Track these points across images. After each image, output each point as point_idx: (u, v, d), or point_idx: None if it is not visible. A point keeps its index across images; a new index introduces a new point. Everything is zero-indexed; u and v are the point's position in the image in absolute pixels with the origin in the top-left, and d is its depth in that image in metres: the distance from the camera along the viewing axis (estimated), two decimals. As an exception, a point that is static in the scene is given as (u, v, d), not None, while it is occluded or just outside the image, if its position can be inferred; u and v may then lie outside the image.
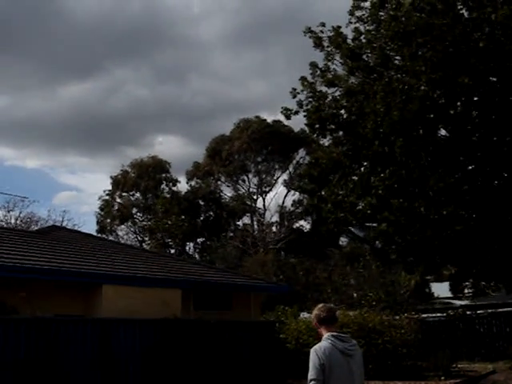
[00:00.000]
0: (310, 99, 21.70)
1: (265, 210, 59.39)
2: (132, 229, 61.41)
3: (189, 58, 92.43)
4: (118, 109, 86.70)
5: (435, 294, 40.11)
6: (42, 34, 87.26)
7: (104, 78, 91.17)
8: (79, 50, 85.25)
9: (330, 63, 21.86)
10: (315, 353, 5.38)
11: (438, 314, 27.81)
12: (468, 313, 26.84)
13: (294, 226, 58.53)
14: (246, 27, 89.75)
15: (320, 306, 5.83)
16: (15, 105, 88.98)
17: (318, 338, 5.69)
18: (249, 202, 60.22)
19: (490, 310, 26.64)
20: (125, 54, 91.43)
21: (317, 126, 21.78)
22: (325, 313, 5.68)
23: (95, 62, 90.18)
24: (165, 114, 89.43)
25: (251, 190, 60.13)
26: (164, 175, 61.77)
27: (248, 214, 60.89)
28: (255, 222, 60.26)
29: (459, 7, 19.36)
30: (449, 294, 39.90)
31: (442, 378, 18.53)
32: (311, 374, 5.34)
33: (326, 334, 5.54)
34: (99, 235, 50.19)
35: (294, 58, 75.03)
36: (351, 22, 21.44)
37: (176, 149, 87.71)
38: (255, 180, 59.70)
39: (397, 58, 20.54)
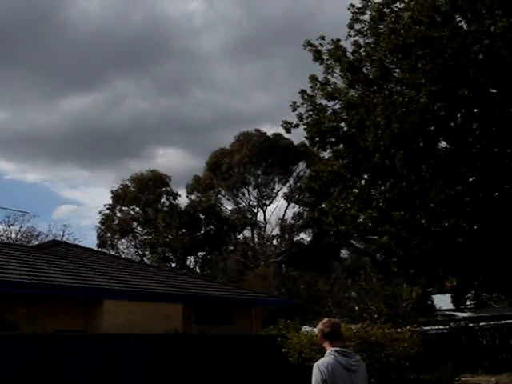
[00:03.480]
0: (310, 112, 21.69)
1: (265, 223, 59.40)
2: (132, 243, 61.41)
3: (190, 70, 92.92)
4: (118, 121, 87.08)
5: (437, 306, 39.94)
6: (43, 47, 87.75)
7: (105, 91, 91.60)
8: (80, 63, 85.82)
9: (329, 76, 21.86)
10: (318, 368, 5.33)
11: (441, 327, 27.65)
12: (470, 325, 26.67)
13: (295, 239, 58.49)
14: (247, 39, 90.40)
15: (324, 320, 5.77)
16: (15, 118, 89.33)
17: (322, 353, 5.64)
18: (249, 216, 60.21)
19: (492, 322, 26.50)
20: (126, 66, 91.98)
21: (317, 138, 21.75)
22: (329, 328, 5.62)
23: (96, 75, 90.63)
24: (166, 127, 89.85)
25: (251, 203, 60.22)
26: (164, 189, 61.78)
27: (248, 228, 60.89)
28: (256, 236, 60.22)
29: (458, 20, 19.41)
30: (451, 306, 39.70)
31: (446, 391, 18.42)
32: (314, 390, 5.29)
33: (329, 349, 5.49)
34: (100, 249, 50.16)
35: (296, 69, 75.52)
36: (350, 35, 21.48)
37: (176, 161, 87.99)
38: (255, 193, 59.78)
39: (396, 70, 20.55)
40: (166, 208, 61.02)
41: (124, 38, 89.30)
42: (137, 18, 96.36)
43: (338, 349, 5.48)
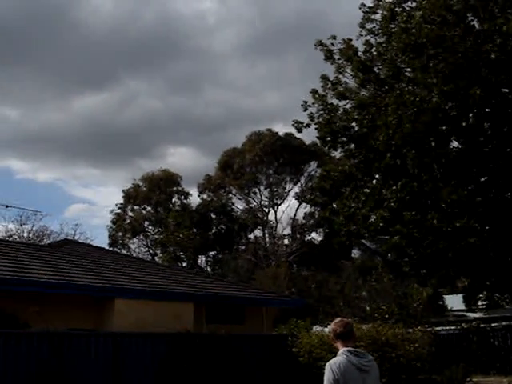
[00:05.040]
0: (322, 112, 21.71)
1: (276, 222, 59.30)
2: (144, 242, 61.54)
3: (203, 69, 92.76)
4: (130, 120, 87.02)
5: (448, 307, 39.78)
6: (55, 46, 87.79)
7: (117, 90, 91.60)
8: (93, 61, 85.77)
9: (341, 76, 21.90)
10: (330, 368, 5.32)
11: (452, 327, 27.56)
12: (482, 326, 26.59)
13: (306, 239, 58.38)
14: (260, 38, 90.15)
15: (337, 320, 5.75)
16: (27, 117, 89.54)
17: (333, 353, 5.63)
18: (260, 215, 60.19)
19: (504, 323, 26.40)
20: (138, 65, 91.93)
21: (328, 138, 21.78)
22: (341, 328, 5.60)
23: (109, 74, 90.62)
24: (177, 126, 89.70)
25: (263, 202, 60.15)
26: (175, 188, 61.90)
27: (260, 227, 60.81)
28: (267, 235, 60.15)
29: (470, 19, 19.38)
30: (462, 307, 39.53)
31: (457, 391, 18.35)
32: (325, 389, 5.28)
33: (341, 349, 5.48)
34: (111, 249, 50.29)
35: (309, 68, 75.20)
36: (362, 35, 21.52)
37: (188, 161, 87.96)
38: (266, 193, 59.70)
39: (408, 70, 20.53)
40: (177, 207, 61.16)
41: (136, 37, 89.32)
42: (149, 16, 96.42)
43: (351, 349, 5.47)
